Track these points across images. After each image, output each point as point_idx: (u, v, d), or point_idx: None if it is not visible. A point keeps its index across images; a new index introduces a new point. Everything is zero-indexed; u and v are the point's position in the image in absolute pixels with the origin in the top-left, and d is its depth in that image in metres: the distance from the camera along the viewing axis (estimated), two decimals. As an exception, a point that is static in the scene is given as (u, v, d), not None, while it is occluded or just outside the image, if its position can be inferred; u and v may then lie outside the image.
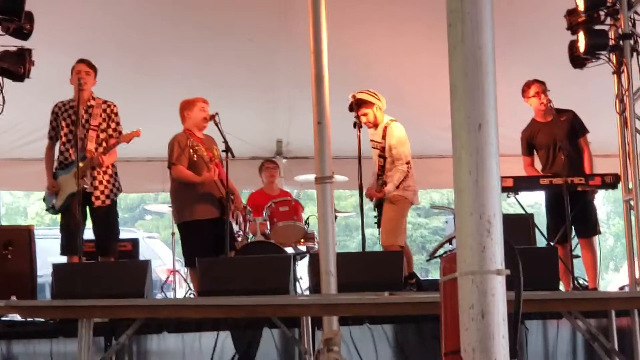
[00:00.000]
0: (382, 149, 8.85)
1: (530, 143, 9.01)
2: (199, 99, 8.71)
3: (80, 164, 8.06)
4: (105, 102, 8.44)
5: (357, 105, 8.81)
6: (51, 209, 8.45)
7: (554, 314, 7.01)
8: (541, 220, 9.06)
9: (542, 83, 8.81)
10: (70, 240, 8.14)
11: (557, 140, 8.61)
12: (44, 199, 8.56)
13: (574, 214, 8.26)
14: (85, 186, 8.13)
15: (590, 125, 8.91)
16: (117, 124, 8.46)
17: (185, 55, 10.46)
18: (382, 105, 8.93)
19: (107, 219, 8.42)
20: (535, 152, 9.07)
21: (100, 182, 8.31)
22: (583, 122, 8.86)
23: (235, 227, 8.88)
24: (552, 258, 7.30)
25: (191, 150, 8.35)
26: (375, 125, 8.93)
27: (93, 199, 8.26)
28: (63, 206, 8.28)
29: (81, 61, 8.36)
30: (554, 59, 8.95)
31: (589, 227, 8.74)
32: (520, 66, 9.52)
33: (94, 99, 8.39)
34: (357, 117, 8.79)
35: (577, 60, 8.43)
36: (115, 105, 8.48)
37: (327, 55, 6.10)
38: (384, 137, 8.85)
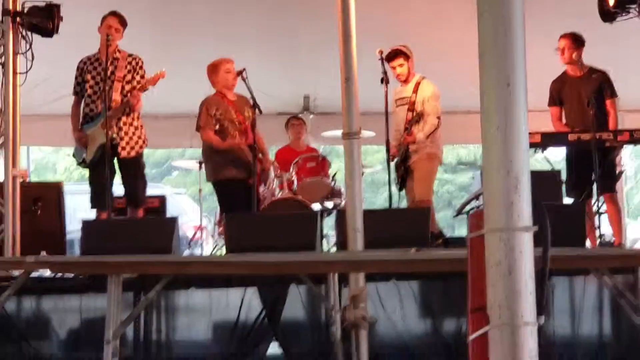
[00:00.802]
0: (412, 103, 8.82)
1: (558, 94, 8.93)
2: (223, 60, 8.71)
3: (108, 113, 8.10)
4: (130, 55, 8.43)
5: (394, 55, 8.79)
6: (82, 163, 8.44)
7: (581, 271, 6.99)
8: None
9: (572, 38, 8.70)
10: (100, 194, 8.16)
11: (584, 96, 8.53)
12: (74, 155, 8.56)
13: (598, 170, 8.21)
14: (115, 136, 8.16)
15: (619, 80, 8.83)
16: (142, 76, 8.44)
17: (209, 10, 10.42)
18: (413, 64, 8.94)
19: (133, 170, 8.45)
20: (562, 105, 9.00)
21: (126, 133, 8.32)
22: (613, 85, 8.77)
23: (262, 188, 8.91)
24: (578, 215, 7.27)
25: (214, 121, 8.40)
26: (406, 80, 8.91)
27: (119, 149, 8.27)
28: (95, 158, 8.27)
29: (113, 14, 8.31)
30: (584, 11, 8.86)
31: (612, 183, 8.71)
32: (549, 18, 9.44)
33: (119, 51, 8.38)
34: (393, 68, 8.79)
35: (607, 14, 8.36)
36: (140, 59, 8.46)
37: (354, 10, 6.06)
38: (415, 92, 8.83)
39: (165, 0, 10.20)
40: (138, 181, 8.49)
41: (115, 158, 8.31)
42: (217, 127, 8.39)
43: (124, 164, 8.35)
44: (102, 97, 8.17)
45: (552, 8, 9.77)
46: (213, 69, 8.71)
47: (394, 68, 8.85)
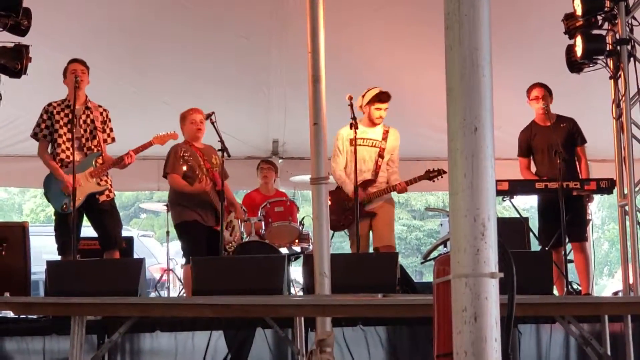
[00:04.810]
0: (382, 150, 8.85)
1: (527, 145, 8.98)
2: (190, 111, 8.77)
3: (97, 164, 8.23)
4: (100, 106, 8.45)
5: (387, 98, 8.82)
6: (62, 209, 8.23)
7: (548, 319, 7.00)
8: (535, 224, 9.05)
9: (545, 88, 8.78)
10: (71, 240, 8.06)
11: (554, 145, 8.56)
12: (49, 198, 8.38)
13: (568, 218, 8.24)
14: (107, 186, 8.21)
15: (586, 130, 8.90)
16: (111, 129, 8.54)
17: (180, 53, 10.45)
18: None
19: (112, 211, 8.47)
20: (532, 155, 9.05)
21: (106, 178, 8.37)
22: (582, 132, 8.85)
23: (229, 237, 8.89)
24: (546, 262, 7.30)
25: (181, 161, 8.41)
26: (377, 124, 8.90)
27: (97, 195, 8.27)
28: (80, 206, 8.15)
29: (75, 61, 8.33)
30: (552, 63, 8.95)
31: (581, 231, 8.73)
32: (518, 69, 9.52)
33: (89, 101, 8.37)
34: (378, 109, 8.75)
35: (575, 65, 8.43)
36: (107, 111, 8.51)
37: (324, 55, 6.08)
38: (384, 139, 8.85)
39: (135, 43, 10.19)
40: (116, 222, 8.48)
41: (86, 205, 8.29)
42: (185, 168, 8.37)
43: (102, 207, 8.31)
44: (78, 145, 8.16)
45: (522, 61, 9.87)
46: (182, 119, 8.81)
47: (379, 109, 8.78)
